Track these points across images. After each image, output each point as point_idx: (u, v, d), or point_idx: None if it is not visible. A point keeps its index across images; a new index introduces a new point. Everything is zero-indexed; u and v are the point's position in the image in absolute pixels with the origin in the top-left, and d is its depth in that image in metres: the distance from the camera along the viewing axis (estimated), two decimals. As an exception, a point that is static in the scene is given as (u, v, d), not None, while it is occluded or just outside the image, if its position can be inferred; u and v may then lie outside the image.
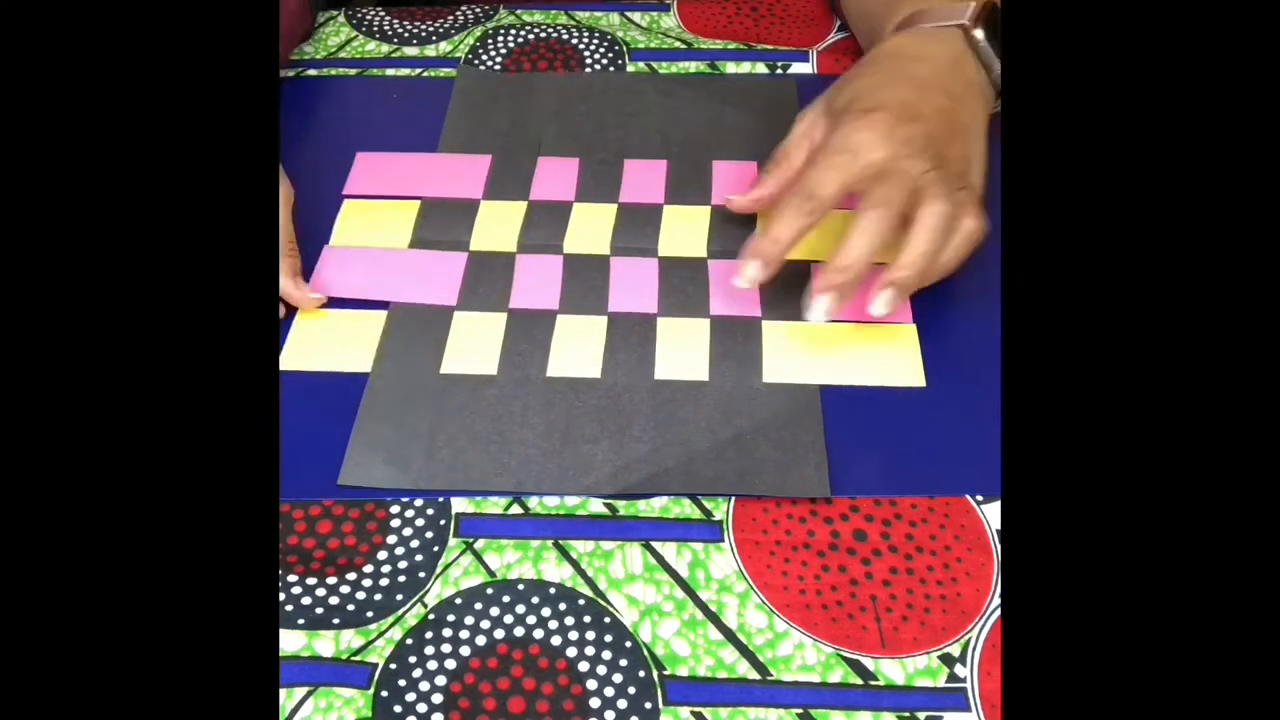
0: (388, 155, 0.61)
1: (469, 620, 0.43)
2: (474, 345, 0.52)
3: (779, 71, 0.66)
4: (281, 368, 0.51)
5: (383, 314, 0.53)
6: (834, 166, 0.49)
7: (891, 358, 0.51)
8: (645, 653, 0.42)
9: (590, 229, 0.57)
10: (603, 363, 0.51)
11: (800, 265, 0.54)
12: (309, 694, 0.41)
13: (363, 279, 0.55)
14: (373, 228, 0.57)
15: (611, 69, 0.67)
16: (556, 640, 0.42)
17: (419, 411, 0.49)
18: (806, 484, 0.46)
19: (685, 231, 0.57)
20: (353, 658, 0.42)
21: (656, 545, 0.45)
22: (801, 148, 0.54)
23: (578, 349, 0.51)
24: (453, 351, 0.51)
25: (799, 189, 0.49)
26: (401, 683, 0.41)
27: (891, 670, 0.41)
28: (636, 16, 0.71)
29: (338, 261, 0.55)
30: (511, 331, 0.52)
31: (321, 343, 0.52)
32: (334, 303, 0.54)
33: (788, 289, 0.53)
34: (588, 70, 0.67)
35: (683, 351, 0.51)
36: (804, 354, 0.51)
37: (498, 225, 0.57)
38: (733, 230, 0.57)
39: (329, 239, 0.57)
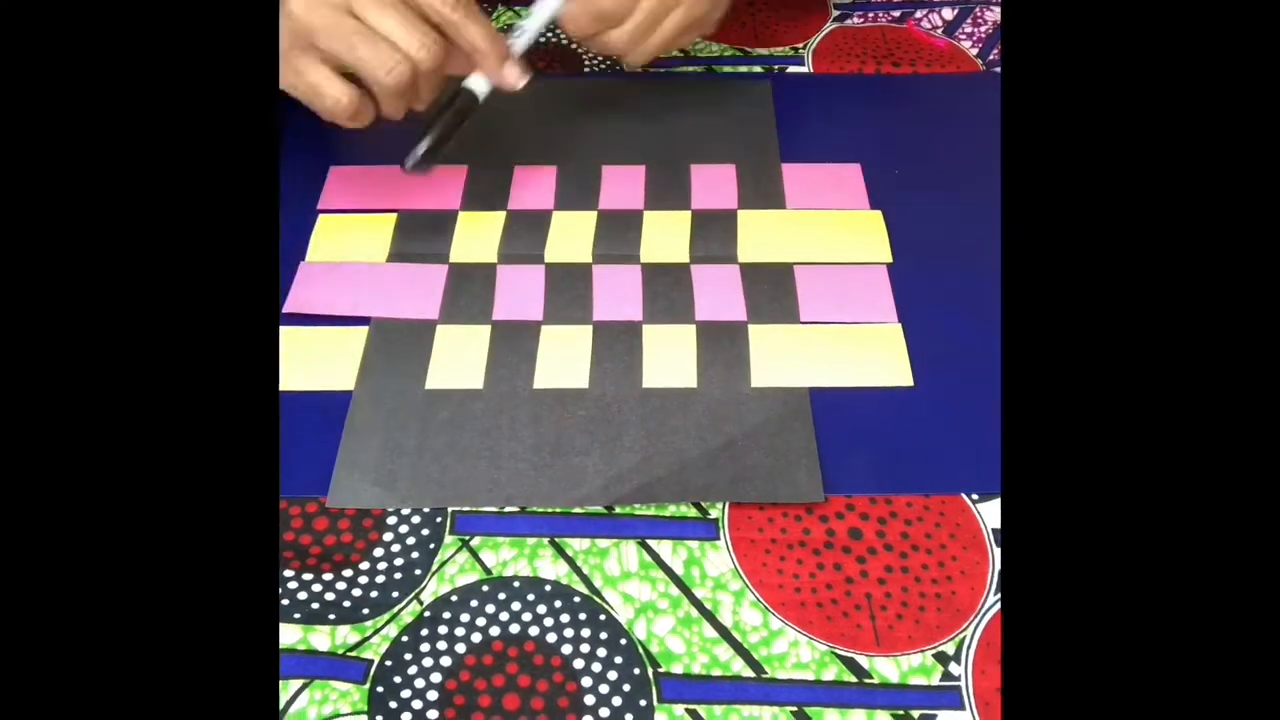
0: (362, 169, 0.60)
1: (464, 617, 0.43)
2: (458, 359, 0.51)
3: (776, 72, 0.66)
4: (282, 388, 0.49)
5: (364, 330, 0.52)
6: None
7: (878, 357, 0.51)
8: (640, 650, 0.42)
9: (571, 237, 0.56)
10: (590, 373, 0.50)
11: (783, 268, 0.55)
12: (304, 686, 0.41)
13: (342, 295, 0.54)
14: (349, 242, 0.56)
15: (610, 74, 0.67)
16: (552, 637, 0.42)
17: (405, 428, 0.48)
18: (798, 490, 0.46)
19: (666, 237, 0.56)
20: (349, 653, 0.42)
21: (652, 543, 0.45)
22: None
23: (564, 359, 0.51)
24: (437, 366, 0.51)
25: None
26: (397, 679, 0.41)
27: (886, 668, 0.41)
28: None
29: (315, 278, 0.54)
30: (496, 344, 0.52)
31: (302, 362, 0.51)
32: (313, 320, 0.53)
33: (772, 293, 0.54)
34: (586, 71, 0.67)
35: (670, 359, 0.51)
36: (792, 357, 0.51)
37: (477, 236, 0.57)
38: (714, 235, 0.57)
39: (305, 255, 0.56)
